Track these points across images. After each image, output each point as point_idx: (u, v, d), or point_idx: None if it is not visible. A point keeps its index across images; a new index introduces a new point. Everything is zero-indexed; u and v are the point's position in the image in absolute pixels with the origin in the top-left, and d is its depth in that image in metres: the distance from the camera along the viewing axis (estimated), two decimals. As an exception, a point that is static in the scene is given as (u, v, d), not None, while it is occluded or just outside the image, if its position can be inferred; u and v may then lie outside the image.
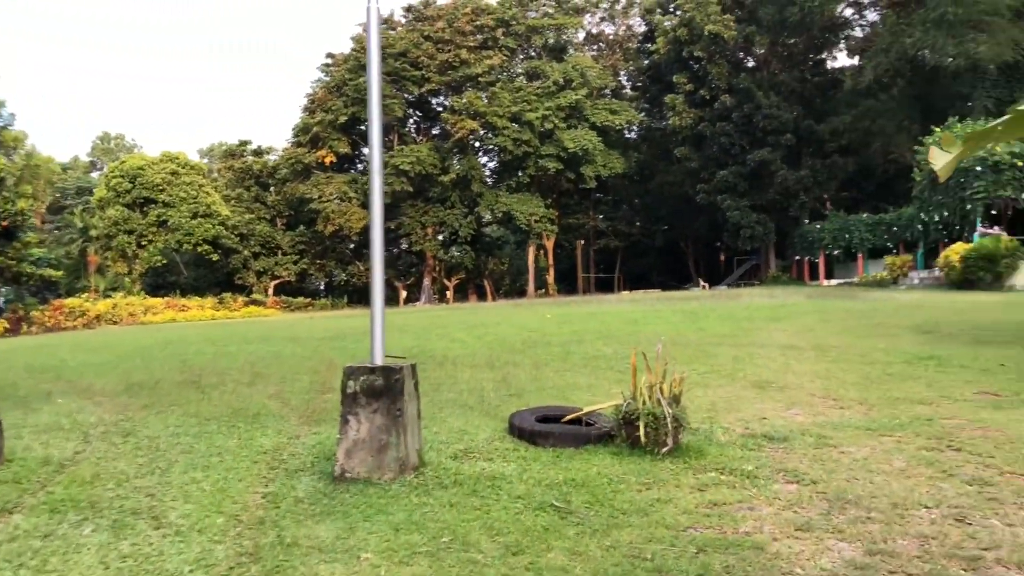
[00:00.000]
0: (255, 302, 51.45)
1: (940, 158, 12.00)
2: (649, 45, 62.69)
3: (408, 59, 55.57)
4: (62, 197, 73.55)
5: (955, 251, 29.92)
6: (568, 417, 6.12)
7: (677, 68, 56.68)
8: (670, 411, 5.50)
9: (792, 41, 57.73)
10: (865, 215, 49.51)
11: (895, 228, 45.44)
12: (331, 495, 5.00)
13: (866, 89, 53.25)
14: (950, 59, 42.18)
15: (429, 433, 6.30)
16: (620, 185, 66.14)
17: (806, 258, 54.61)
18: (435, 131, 62.21)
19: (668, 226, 67.12)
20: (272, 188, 61.24)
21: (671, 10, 58.85)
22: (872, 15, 55.76)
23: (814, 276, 53.46)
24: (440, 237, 60.47)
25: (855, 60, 58.11)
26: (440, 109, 60.59)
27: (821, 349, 11.48)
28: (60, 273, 48.29)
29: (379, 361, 5.46)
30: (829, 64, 62.01)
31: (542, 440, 5.84)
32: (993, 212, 31.56)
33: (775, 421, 6.70)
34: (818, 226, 52.41)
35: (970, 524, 4.21)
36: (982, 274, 29.01)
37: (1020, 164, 30.49)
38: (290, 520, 4.58)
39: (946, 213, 34.26)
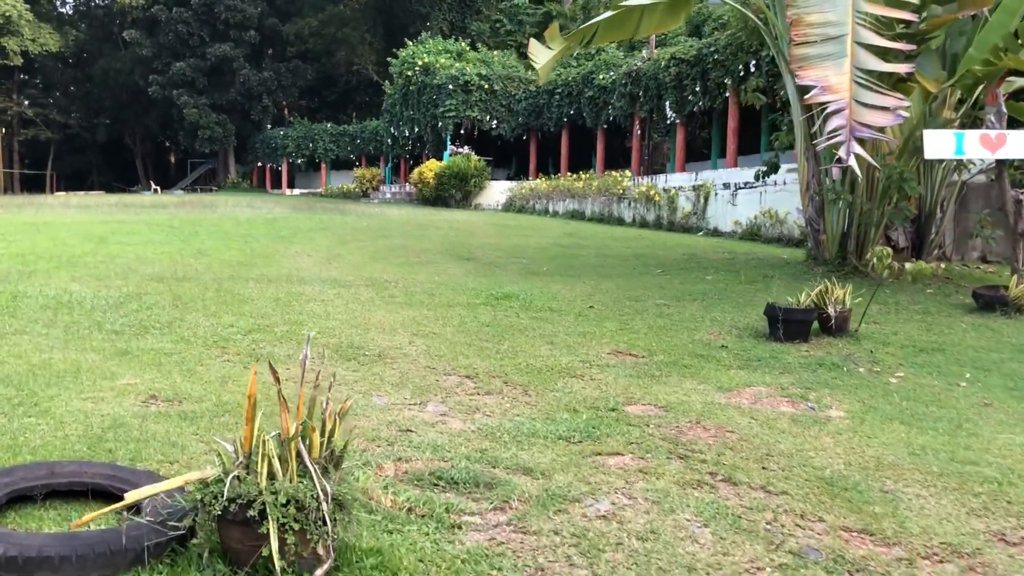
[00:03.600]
0: None
1: (541, 54, 10.28)
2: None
3: None
4: None
5: (429, 168, 30.08)
6: (89, 517, 2.71)
7: (124, -67, 48.89)
8: (328, 489, 2.58)
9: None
10: (329, 125, 48.62)
11: (359, 140, 45.32)
12: None
13: (333, -6, 52.01)
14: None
15: None
16: (53, 67, 55.91)
17: (268, 165, 52.26)
18: None
19: (112, 120, 58.81)
20: None
21: None
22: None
23: (276, 184, 51.40)
24: None
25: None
26: None
27: (377, 285, 9.10)
28: None
29: None
30: (294, -39, 59.40)
31: (34, 572, 2.42)
32: (462, 132, 32.41)
33: (428, 435, 4.14)
34: (282, 132, 50.20)
35: None
36: (454, 191, 29.65)
37: (486, 87, 31.65)
38: None
39: (416, 129, 34.50)
